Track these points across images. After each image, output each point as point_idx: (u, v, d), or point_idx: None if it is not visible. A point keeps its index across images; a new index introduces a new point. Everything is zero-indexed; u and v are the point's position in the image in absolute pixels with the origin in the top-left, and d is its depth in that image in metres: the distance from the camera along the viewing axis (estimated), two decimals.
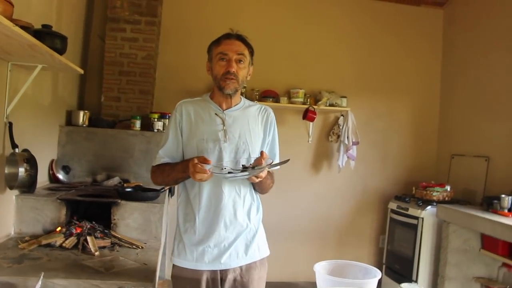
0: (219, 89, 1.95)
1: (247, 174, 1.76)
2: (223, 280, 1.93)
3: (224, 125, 1.94)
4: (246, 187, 1.97)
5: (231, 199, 1.93)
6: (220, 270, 1.93)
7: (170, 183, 2.06)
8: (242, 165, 1.84)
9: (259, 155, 1.78)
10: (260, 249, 2.03)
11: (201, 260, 1.92)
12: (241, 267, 1.96)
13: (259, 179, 1.78)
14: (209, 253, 1.92)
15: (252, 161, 1.86)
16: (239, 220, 1.95)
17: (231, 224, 1.93)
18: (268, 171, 1.96)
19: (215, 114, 1.97)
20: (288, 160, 1.88)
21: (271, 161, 1.82)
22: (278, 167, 1.98)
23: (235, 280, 1.94)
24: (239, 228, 1.95)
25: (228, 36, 1.95)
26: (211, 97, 2.04)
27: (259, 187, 2.00)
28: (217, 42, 1.96)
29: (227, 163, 1.89)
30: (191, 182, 1.92)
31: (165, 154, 1.99)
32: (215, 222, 1.92)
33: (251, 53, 1.98)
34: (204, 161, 1.73)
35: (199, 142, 1.92)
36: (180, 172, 1.86)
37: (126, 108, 3.93)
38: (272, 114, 2.09)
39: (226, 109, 1.99)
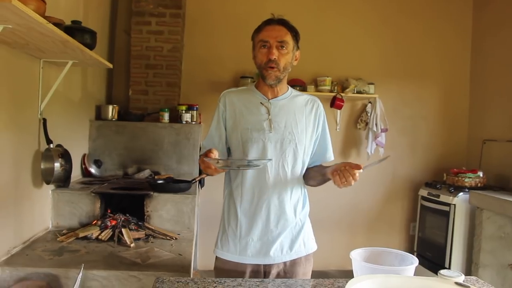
0: (262, 79, 1.90)
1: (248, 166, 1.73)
2: (266, 275, 1.89)
3: (269, 115, 1.88)
4: (293, 178, 1.89)
5: (276, 190, 1.86)
6: (263, 265, 1.88)
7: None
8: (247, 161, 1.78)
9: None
10: (306, 245, 1.95)
11: (244, 253, 1.87)
12: (285, 263, 1.90)
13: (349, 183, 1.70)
14: (252, 246, 1.87)
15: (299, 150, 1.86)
16: (284, 213, 1.88)
17: (275, 217, 1.87)
18: (322, 165, 1.95)
19: (260, 103, 1.91)
20: (388, 156, 1.88)
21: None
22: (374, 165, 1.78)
23: (278, 275, 1.89)
24: (284, 222, 1.88)
25: (269, 22, 1.85)
26: (257, 86, 1.97)
27: (318, 183, 1.95)
28: (258, 29, 1.87)
29: (272, 153, 1.84)
30: (235, 172, 1.88)
31: (208, 144, 1.96)
32: (258, 214, 1.86)
33: (295, 37, 1.87)
34: (209, 154, 1.67)
35: (243, 132, 1.87)
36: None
37: (154, 101, 3.96)
38: (321, 106, 1.99)
39: (271, 99, 1.92)
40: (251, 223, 1.88)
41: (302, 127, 1.91)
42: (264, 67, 1.83)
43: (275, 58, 1.80)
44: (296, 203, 1.93)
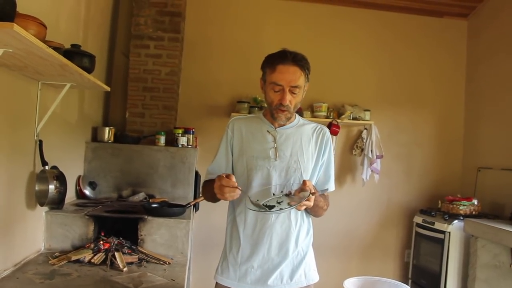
0: (271, 116, 1.89)
1: (277, 210, 1.72)
2: None
3: (275, 143, 1.89)
4: None
5: (279, 219, 1.86)
6: None
7: (214, 200, 1.94)
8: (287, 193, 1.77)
9: (303, 183, 1.70)
10: (307, 275, 1.94)
11: (244, 280, 1.87)
12: None
13: (304, 207, 1.69)
14: (252, 273, 1.87)
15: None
16: (286, 242, 1.87)
17: (277, 245, 1.87)
18: (323, 194, 1.94)
19: (267, 131, 1.92)
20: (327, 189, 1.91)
21: (312, 191, 1.68)
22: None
23: None
24: (285, 251, 1.87)
25: (283, 60, 1.80)
26: (264, 114, 1.99)
27: (311, 211, 1.92)
28: (271, 65, 1.82)
29: (276, 182, 1.84)
30: (238, 199, 1.83)
31: (213, 170, 1.98)
32: (260, 242, 1.86)
33: (307, 75, 1.85)
34: (228, 178, 1.68)
35: (249, 159, 1.89)
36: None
37: (151, 124, 3.97)
38: (328, 134, 2.00)
39: (278, 127, 1.93)
40: (253, 250, 1.88)
41: (308, 155, 1.92)
42: (275, 109, 1.84)
43: (287, 104, 1.81)
44: (299, 232, 1.92)
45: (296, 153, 1.90)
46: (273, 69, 1.81)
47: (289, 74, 1.79)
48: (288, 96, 1.81)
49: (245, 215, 1.89)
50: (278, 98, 1.82)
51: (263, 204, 1.75)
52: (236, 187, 1.68)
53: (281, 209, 1.72)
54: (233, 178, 1.69)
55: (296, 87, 1.81)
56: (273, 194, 1.81)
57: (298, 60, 1.81)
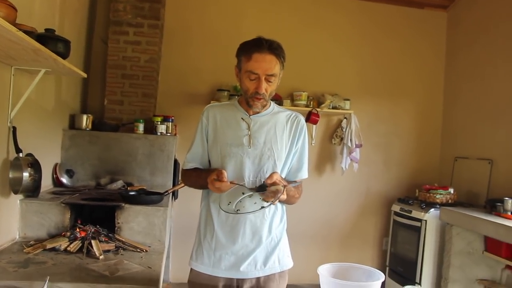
0: (247, 104, 1.90)
1: (257, 210, 1.78)
2: None
3: (249, 130, 1.89)
4: None
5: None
6: (236, 279, 1.89)
7: (198, 188, 1.99)
8: (260, 185, 1.79)
9: (270, 176, 1.71)
10: (281, 261, 1.95)
11: (218, 266, 1.88)
12: (258, 278, 1.89)
13: (277, 201, 1.71)
14: (226, 260, 1.88)
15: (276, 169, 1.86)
16: (260, 229, 1.88)
17: (250, 232, 1.87)
18: (295, 181, 1.95)
19: (241, 118, 1.92)
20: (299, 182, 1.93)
21: (284, 184, 1.72)
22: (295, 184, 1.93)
23: None
24: (259, 238, 1.88)
25: (259, 48, 1.79)
26: (240, 101, 1.98)
27: (283, 203, 1.94)
28: (247, 53, 1.82)
29: (250, 169, 1.86)
30: None
31: (192, 158, 1.99)
32: (234, 228, 1.87)
33: (283, 63, 1.85)
34: (220, 175, 1.71)
35: (223, 146, 1.89)
36: (205, 180, 1.80)
37: (129, 111, 3.93)
38: (302, 122, 2.00)
39: (253, 114, 1.93)
40: (227, 237, 1.88)
41: (282, 143, 1.92)
42: (250, 97, 1.85)
43: (263, 92, 1.82)
44: (272, 219, 1.93)
45: (270, 140, 1.90)
46: (249, 57, 1.81)
47: (265, 63, 1.79)
48: (264, 85, 1.81)
49: (220, 202, 1.89)
50: (254, 86, 1.82)
51: (235, 205, 1.82)
52: (232, 183, 1.72)
53: (262, 207, 1.76)
54: (225, 176, 1.71)
55: (272, 75, 1.81)
56: (242, 193, 1.81)
57: (274, 49, 1.81)
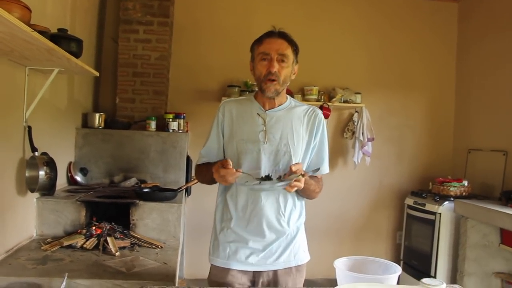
0: (260, 91, 1.89)
1: (271, 185, 1.76)
2: (255, 283, 1.89)
3: (265, 126, 1.88)
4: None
5: (269, 200, 1.86)
6: (252, 272, 1.89)
7: (208, 183, 1.99)
8: (266, 175, 1.79)
9: (294, 164, 1.71)
10: (297, 255, 1.94)
11: (233, 258, 1.88)
12: (275, 271, 1.89)
13: (294, 189, 1.70)
14: (242, 252, 1.87)
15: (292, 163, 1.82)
16: (276, 223, 1.87)
17: (267, 226, 1.86)
18: (316, 176, 1.93)
19: (257, 114, 1.91)
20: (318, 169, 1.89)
21: (302, 173, 1.70)
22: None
23: (267, 283, 1.89)
24: (275, 232, 1.88)
25: (270, 34, 1.85)
26: (255, 96, 1.97)
27: (302, 194, 1.93)
28: (259, 41, 1.87)
29: (266, 165, 1.84)
30: None
31: (206, 154, 1.98)
32: (251, 222, 1.86)
33: (295, 51, 1.88)
34: (225, 163, 1.71)
35: (239, 142, 1.88)
36: (212, 173, 1.80)
37: (141, 109, 3.96)
38: (320, 116, 1.97)
39: (268, 109, 1.91)
40: (244, 231, 1.88)
41: (298, 138, 1.90)
42: (263, 80, 1.84)
43: (275, 71, 1.81)
44: (290, 213, 1.92)
45: (286, 136, 1.88)
46: (260, 43, 1.85)
47: (276, 44, 1.83)
48: (276, 65, 1.81)
49: (237, 196, 1.89)
50: (266, 67, 1.82)
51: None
52: (237, 170, 1.71)
53: (279, 181, 1.74)
54: (230, 164, 1.70)
55: (284, 55, 1.82)
56: (262, 177, 1.80)
57: (285, 35, 1.86)
